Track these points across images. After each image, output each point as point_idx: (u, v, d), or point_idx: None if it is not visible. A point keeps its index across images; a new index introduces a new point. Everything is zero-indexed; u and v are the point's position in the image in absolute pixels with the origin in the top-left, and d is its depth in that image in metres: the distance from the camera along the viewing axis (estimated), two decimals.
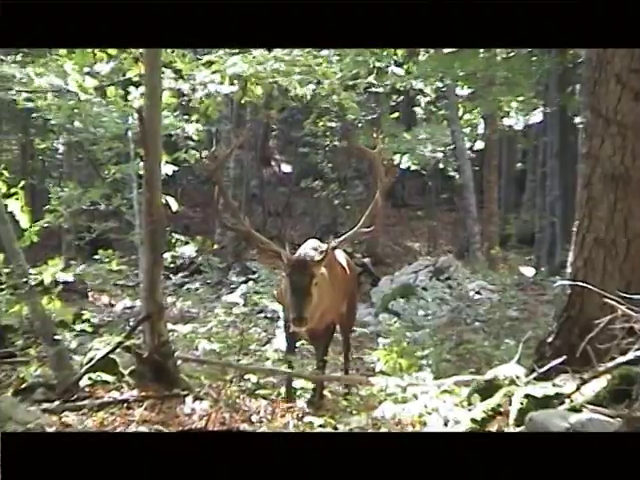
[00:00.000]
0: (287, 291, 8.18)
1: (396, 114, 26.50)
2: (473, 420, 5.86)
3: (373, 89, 16.10)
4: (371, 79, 13.45)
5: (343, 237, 8.78)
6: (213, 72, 10.85)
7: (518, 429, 5.32)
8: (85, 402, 7.82)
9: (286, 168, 31.36)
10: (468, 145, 23.10)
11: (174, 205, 8.91)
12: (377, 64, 12.51)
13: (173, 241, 13.52)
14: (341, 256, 9.35)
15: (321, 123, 24.07)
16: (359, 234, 8.77)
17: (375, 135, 9.87)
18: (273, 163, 32.15)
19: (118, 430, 6.99)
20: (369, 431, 6.70)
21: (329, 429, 6.76)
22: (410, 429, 6.62)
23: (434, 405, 7.01)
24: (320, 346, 9.12)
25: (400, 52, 15.01)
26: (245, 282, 18.35)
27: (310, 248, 8.41)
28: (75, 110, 11.34)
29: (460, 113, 22.84)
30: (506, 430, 5.57)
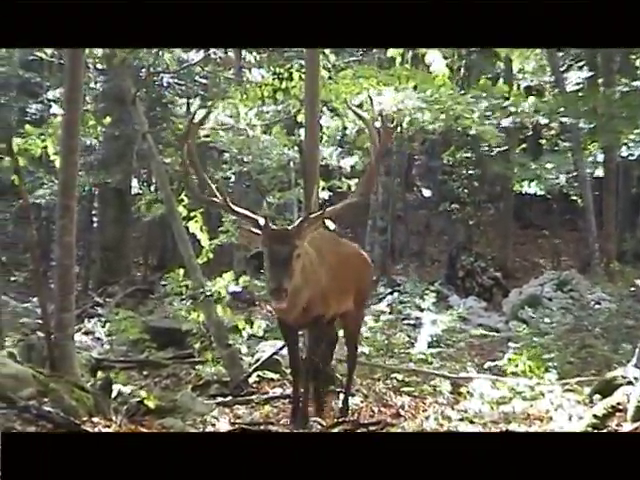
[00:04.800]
0: (266, 264, 6.76)
1: (524, 145, 26.27)
2: (594, 416, 5.79)
3: (504, 124, 15.93)
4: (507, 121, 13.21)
5: (337, 206, 7.39)
6: (363, 110, 10.88)
7: (636, 424, 5.24)
8: (253, 397, 7.98)
9: (427, 193, 31.32)
10: (589, 172, 22.65)
11: (331, 225, 8.93)
12: (512, 109, 12.29)
13: None
14: (348, 250, 8.08)
15: (458, 154, 24.01)
16: (352, 204, 7.30)
17: (371, 107, 9.03)
18: (415, 188, 32.14)
19: (282, 421, 7.09)
20: (499, 427, 6.67)
21: (466, 422, 6.75)
22: (538, 423, 6.57)
23: (559, 402, 6.98)
24: (310, 342, 7.46)
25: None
26: (391, 293, 18.23)
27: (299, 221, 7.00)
28: (245, 144, 11.49)
29: (582, 144, 22.43)
30: (624, 425, 5.49)
